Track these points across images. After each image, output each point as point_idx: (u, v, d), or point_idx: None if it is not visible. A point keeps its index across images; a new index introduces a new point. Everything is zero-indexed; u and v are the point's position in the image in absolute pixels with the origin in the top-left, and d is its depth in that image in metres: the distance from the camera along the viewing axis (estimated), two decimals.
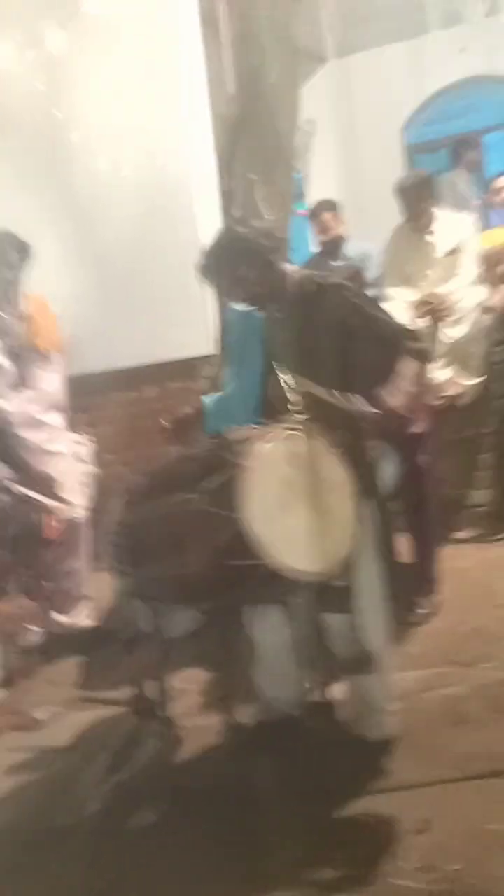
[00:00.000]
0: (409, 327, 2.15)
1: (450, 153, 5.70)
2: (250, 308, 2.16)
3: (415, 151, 6.11)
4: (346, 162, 5.82)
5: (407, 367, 1.96)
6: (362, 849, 1.68)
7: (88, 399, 4.10)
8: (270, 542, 1.62)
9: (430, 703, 2.22)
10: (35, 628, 3.06)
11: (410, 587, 2.78)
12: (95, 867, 1.74)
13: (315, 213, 3.77)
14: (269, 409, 1.95)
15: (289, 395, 1.92)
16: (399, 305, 3.32)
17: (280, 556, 1.63)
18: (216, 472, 1.69)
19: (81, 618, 3.17)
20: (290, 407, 1.89)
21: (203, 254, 2.05)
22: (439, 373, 3.27)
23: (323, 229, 3.70)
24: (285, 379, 1.96)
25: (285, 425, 1.80)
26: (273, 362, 2.03)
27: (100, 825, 1.90)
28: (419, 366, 2.03)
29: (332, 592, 1.83)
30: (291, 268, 2.10)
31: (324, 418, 1.89)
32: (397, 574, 2.81)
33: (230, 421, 2.05)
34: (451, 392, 3.26)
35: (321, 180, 5.70)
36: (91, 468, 3.55)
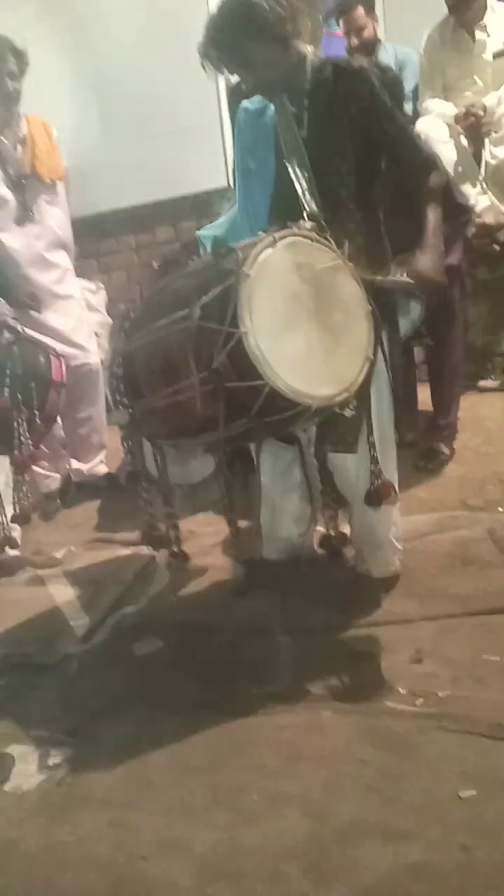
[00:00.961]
0: (432, 157, 1.85)
1: None
2: (261, 103, 1.88)
3: None
4: None
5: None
6: (357, 672, 1.70)
7: (98, 244, 3.89)
8: (274, 360, 1.43)
9: (439, 545, 2.19)
10: (53, 474, 3.10)
11: (429, 431, 2.69)
12: (99, 689, 1.81)
13: (344, 9, 3.23)
14: (281, 218, 1.71)
15: (302, 201, 1.69)
16: (436, 120, 2.92)
17: (285, 377, 1.43)
18: (214, 284, 1.46)
19: (98, 465, 3.19)
20: (304, 214, 1.67)
21: (206, 26, 1.71)
22: (480, 199, 2.91)
23: (354, 28, 3.19)
24: (299, 181, 1.72)
25: (294, 231, 1.57)
26: (287, 163, 1.78)
27: (106, 652, 1.98)
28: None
29: (340, 424, 1.70)
30: (311, 50, 1.77)
31: (340, 227, 1.68)
32: (411, 413, 2.75)
33: (237, 238, 1.85)
34: (489, 221, 2.91)
35: None
36: (104, 317, 3.44)
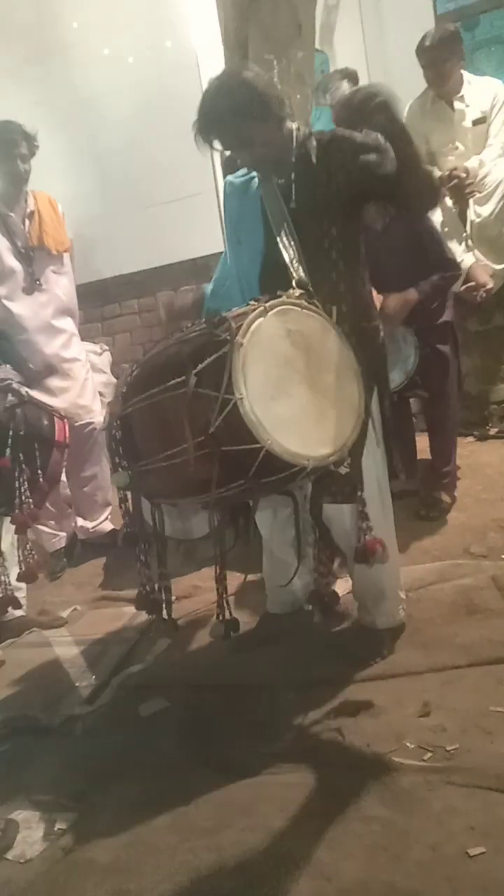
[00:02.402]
0: (434, 177, 1.90)
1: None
2: (249, 176, 1.97)
3: (448, 21, 5.49)
4: (372, 41, 5.29)
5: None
6: (364, 727, 1.68)
7: (103, 308, 4.03)
8: (269, 423, 1.48)
9: (444, 594, 2.18)
10: (59, 533, 3.14)
11: (430, 480, 2.71)
12: (104, 752, 1.79)
13: (331, 85, 3.44)
14: (271, 286, 1.78)
15: (290, 269, 1.76)
16: None
17: (280, 439, 1.48)
18: (209, 352, 1.52)
19: (104, 522, 3.23)
20: (292, 282, 1.73)
21: (201, 105, 1.76)
22: (466, 256, 3.03)
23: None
24: (287, 250, 1.79)
25: (283, 299, 1.64)
26: (275, 233, 1.84)
27: (112, 713, 1.96)
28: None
29: (336, 480, 1.72)
30: (296, 126, 1.86)
31: (328, 294, 1.75)
32: (411, 462, 2.77)
33: (230, 302, 1.92)
34: (478, 277, 3.01)
35: (346, 61, 5.23)
36: (109, 377, 3.54)
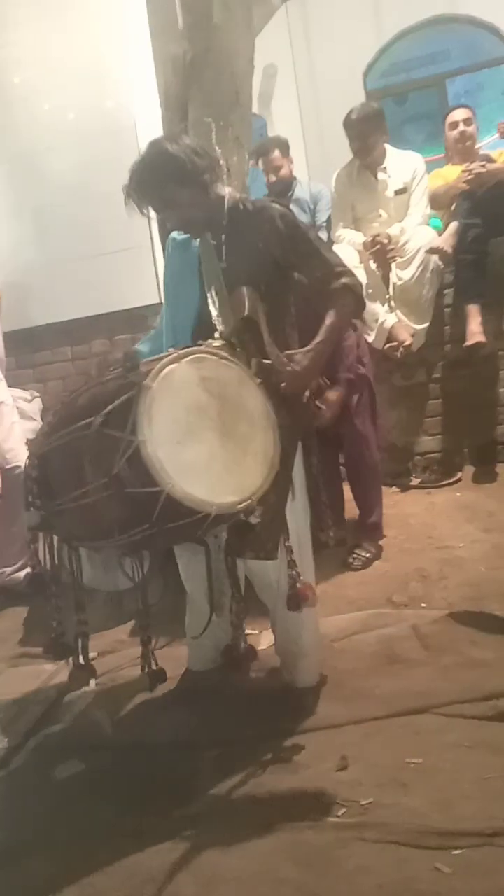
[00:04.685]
0: (343, 263, 1.95)
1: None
2: (183, 236, 2.05)
3: (378, 97, 5.90)
4: (308, 108, 5.61)
5: (339, 308, 1.87)
6: (282, 784, 1.66)
7: (35, 355, 4.01)
8: (172, 467, 1.48)
9: (366, 644, 2.21)
10: None
11: (355, 531, 2.76)
12: (16, 819, 1.71)
13: (263, 152, 3.61)
14: (203, 339, 1.83)
15: (215, 322, 1.82)
16: (348, 247, 3.23)
17: (182, 484, 1.48)
18: (120, 394, 1.53)
19: (20, 569, 3.14)
20: (215, 334, 1.78)
21: (130, 173, 1.87)
22: (388, 317, 3.19)
23: (272, 168, 3.55)
24: (214, 304, 1.85)
25: (200, 348, 1.67)
26: (205, 291, 1.91)
27: (26, 775, 1.88)
28: (353, 306, 1.94)
29: (257, 534, 1.73)
30: (228, 191, 1.97)
31: (255, 344, 1.79)
32: (337, 513, 2.82)
33: (159, 353, 1.95)
34: (399, 336, 3.17)
35: (283, 126, 5.51)
36: (38, 424, 3.49)
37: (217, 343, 1.73)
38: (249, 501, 1.60)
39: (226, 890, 1.36)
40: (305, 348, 1.86)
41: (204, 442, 1.57)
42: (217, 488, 1.55)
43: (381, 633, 2.25)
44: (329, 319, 1.88)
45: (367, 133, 3.28)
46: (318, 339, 1.86)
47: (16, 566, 3.14)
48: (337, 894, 1.31)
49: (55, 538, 1.81)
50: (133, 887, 1.41)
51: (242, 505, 1.59)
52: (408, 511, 3.09)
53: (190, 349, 1.65)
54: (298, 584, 1.80)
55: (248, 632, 2.24)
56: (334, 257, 1.95)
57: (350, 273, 1.94)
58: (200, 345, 1.70)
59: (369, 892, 1.30)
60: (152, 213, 1.95)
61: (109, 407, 1.53)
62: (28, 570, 3.11)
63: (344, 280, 1.90)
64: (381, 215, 3.36)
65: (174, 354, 1.60)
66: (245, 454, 1.63)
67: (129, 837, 1.55)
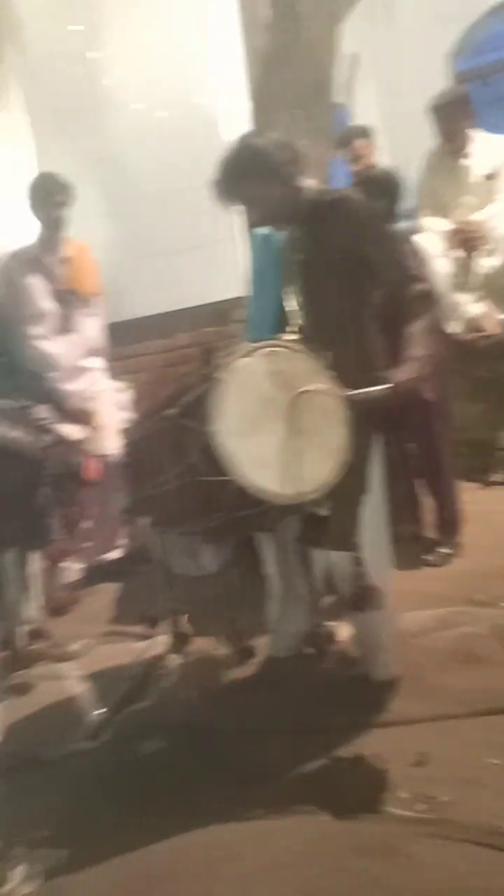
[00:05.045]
0: (415, 273, 1.95)
1: None
2: (269, 230, 2.10)
3: (465, 80, 5.68)
4: (390, 95, 5.49)
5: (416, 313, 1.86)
6: (358, 775, 1.69)
7: (124, 348, 4.16)
8: (241, 458, 1.54)
9: (443, 641, 2.19)
10: (76, 565, 3.19)
11: (432, 525, 2.73)
12: (101, 791, 1.82)
13: (346, 141, 3.58)
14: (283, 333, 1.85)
15: (292, 316, 1.84)
16: (432, 236, 3.17)
17: (250, 474, 1.54)
18: (197, 387, 1.63)
19: (117, 550, 3.28)
20: (288, 327, 1.81)
21: (217, 169, 1.91)
22: (473, 307, 3.10)
23: (354, 158, 3.51)
24: (292, 298, 1.88)
25: (272, 342, 1.71)
26: (285, 283, 1.95)
27: (112, 750, 1.99)
28: (426, 312, 1.92)
29: (329, 526, 1.77)
30: (310, 183, 1.97)
31: (330, 340, 1.80)
32: (414, 508, 2.79)
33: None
34: (486, 327, 3.08)
35: (365, 114, 5.42)
36: (129, 415, 3.64)
37: (291, 337, 1.76)
38: (317, 493, 1.63)
39: (299, 875, 1.41)
40: (404, 367, 1.85)
41: (272, 434, 1.62)
42: (284, 479, 1.59)
43: (460, 631, 2.22)
44: (418, 330, 1.86)
45: (453, 117, 3.20)
46: (411, 352, 1.84)
47: (107, 546, 3.28)
48: (410, 889, 1.33)
49: (145, 521, 1.93)
50: (208, 863, 1.48)
51: (310, 496, 1.62)
52: (490, 508, 3.01)
53: (263, 343, 1.70)
54: (364, 584, 1.81)
55: (327, 622, 2.28)
56: (408, 259, 1.96)
57: (423, 279, 1.93)
58: (275, 338, 1.74)
59: (444, 890, 1.31)
60: (237, 207, 2.00)
61: (186, 398, 1.62)
62: (120, 550, 3.27)
63: (419, 286, 1.89)
64: (467, 202, 3.27)
65: (247, 348, 1.66)
66: (313, 446, 1.66)
67: (204, 815, 1.62)
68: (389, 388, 1.79)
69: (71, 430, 2.87)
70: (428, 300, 1.91)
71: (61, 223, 3.14)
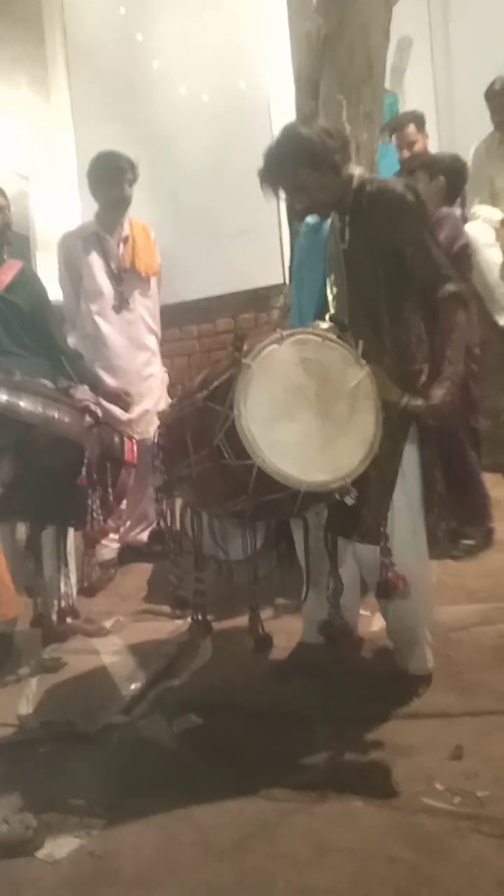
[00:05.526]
0: (447, 272, 1.87)
1: None
2: (315, 220, 2.07)
3: None
4: (442, 81, 5.36)
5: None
6: (394, 765, 1.66)
7: (164, 332, 4.17)
8: (264, 442, 1.52)
9: (486, 637, 2.16)
10: (110, 544, 3.22)
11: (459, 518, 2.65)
12: (136, 764, 1.83)
13: (398, 127, 3.51)
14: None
15: (331, 305, 1.83)
16: (483, 224, 3.09)
17: (273, 459, 1.52)
18: (226, 371, 1.61)
19: (149, 530, 3.30)
20: (326, 316, 1.78)
21: (264, 157, 1.89)
22: None
23: (406, 144, 3.45)
24: (331, 287, 1.86)
25: (304, 329, 1.68)
26: (328, 272, 1.93)
27: (146, 725, 2.00)
28: (466, 318, 1.88)
29: (361, 517, 1.76)
30: (357, 171, 1.94)
31: (366, 332, 1.78)
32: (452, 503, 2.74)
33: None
34: None
35: (416, 100, 5.31)
36: (168, 399, 3.65)
37: (325, 325, 1.73)
38: (343, 482, 1.60)
39: (337, 859, 1.40)
40: (439, 379, 1.82)
41: (299, 421, 1.60)
42: (309, 466, 1.57)
43: (502, 627, 2.18)
44: (452, 337, 1.83)
45: None
46: (448, 366, 1.82)
47: (142, 526, 3.31)
48: (452, 882, 1.30)
49: (178, 501, 1.93)
50: (246, 841, 1.48)
51: (335, 485, 1.60)
52: None
53: (295, 330, 1.68)
54: (390, 574, 1.78)
55: (361, 612, 2.26)
56: (443, 258, 1.90)
57: (456, 279, 1.88)
58: (308, 326, 1.72)
59: (487, 886, 1.28)
60: (283, 195, 1.97)
61: (216, 383, 1.61)
62: (153, 530, 3.28)
63: (451, 287, 1.85)
64: None
65: (277, 335, 1.63)
66: (342, 435, 1.64)
67: (242, 794, 1.62)
68: (426, 406, 1.79)
69: (116, 412, 2.89)
70: (458, 301, 1.86)
71: (127, 202, 3.15)
